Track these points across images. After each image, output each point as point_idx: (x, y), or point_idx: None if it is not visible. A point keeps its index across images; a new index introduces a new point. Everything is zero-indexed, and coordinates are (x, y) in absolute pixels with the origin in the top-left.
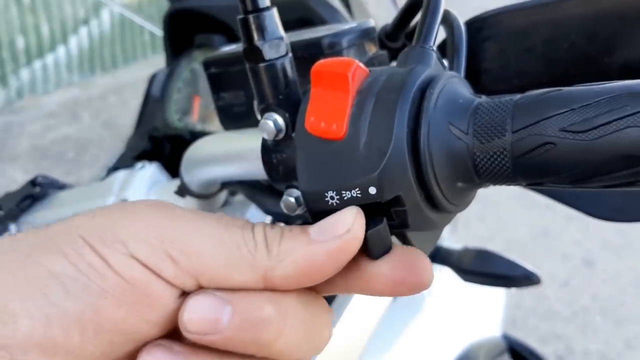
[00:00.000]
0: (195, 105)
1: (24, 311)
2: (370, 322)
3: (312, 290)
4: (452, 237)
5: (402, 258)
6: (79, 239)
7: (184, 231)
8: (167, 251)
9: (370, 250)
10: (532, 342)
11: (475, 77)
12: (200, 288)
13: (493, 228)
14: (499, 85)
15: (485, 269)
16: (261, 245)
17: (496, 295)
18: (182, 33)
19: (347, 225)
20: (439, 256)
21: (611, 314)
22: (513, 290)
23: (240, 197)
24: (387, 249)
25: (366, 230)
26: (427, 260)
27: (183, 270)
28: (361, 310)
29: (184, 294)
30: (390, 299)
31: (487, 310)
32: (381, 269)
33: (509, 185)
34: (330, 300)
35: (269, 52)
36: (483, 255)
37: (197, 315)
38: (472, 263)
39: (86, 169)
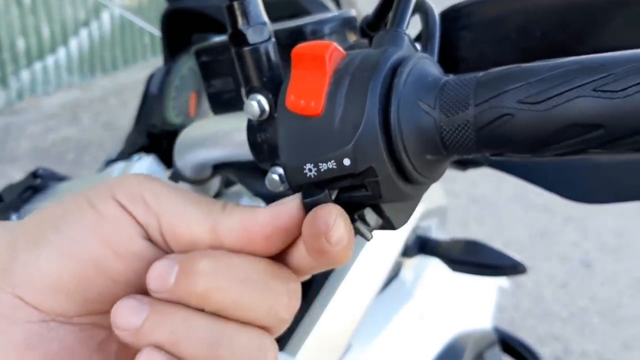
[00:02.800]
0: (191, 102)
1: (24, 247)
2: (359, 309)
3: (272, 260)
4: (440, 229)
5: (313, 211)
6: (80, 195)
7: (161, 184)
8: (142, 194)
9: None
10: (529, 342)
11: (452, 66)
12: (161, 234)
13: (491, 229)
14: None
15: (473, 258)
16: (220, 204)
17: (487, 288)
18: (179, 32)
19: (291, 199)
20: (428, 247)
21: (609, 315)
22: (509, 288)
23: (233, 189)
24: None
25: (306, 199)
26: (332, 207)
27: (150, 210)
28: (350, 297)
29: (151, 241)
30: (379, 285)
31: (477, 302)
32: (304, 226)
33: (475, 156)
34: (319, 286)
35: (252, 36)
36: (471, 246)
37: (154, 275)
38: (460, 253)
39: (86, 170)
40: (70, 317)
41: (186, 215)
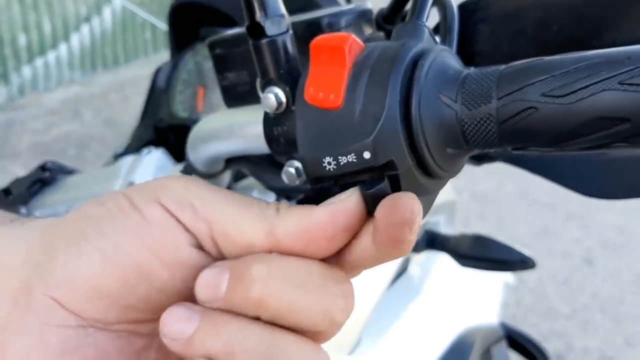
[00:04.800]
0: (199, 97)
1: (63, 247)
2: (369, 303)
3: (325, 262)
4: (449, 224)
5: (391, 200)
6: (120, 194)
7: (207, 188)
8: (189, 199)
9: (374, 208)
10: None
11: (469, 59)
12: (212, 241)
13: (493, 226)
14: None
15: (481, 253)
16: (272, 206)
17: (493, 284)
18: (186, 26)
19: (348, 194)
20: (437, 242)
21: (611, 311)
22: (512, 284)
23: (243, 183)
24: None
25: (369, 190)
26: (411, 194)
27: (199, 217)
28: (360, 292)
29: (200, 248)
30: (388, 280)
31: (484, 298)
32: (382, 217)
33: (496, 150)
34: None
35: (270, 29)
36: (479, 241)
37: (203, 285)
38: (468, 248)
39: (88, 166)
40: (109, 323)
41: (239, 220)
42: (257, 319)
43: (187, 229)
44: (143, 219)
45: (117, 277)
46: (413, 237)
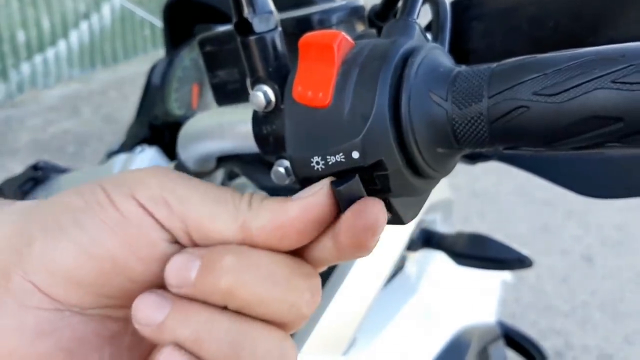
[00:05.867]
0: (194, 94)
1: (40, 235)
2: (364, 303)
3: (294, 255)
4: (445, 222)
5: (358, 205)
6: (97, 186)
7: (182, 183)
8: (164, 197)
9: (344, 205)
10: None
11: (463, 57)
12: (188, 236)
13: (493, 224)
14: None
15: (478, 252)
16: (245, 200)
17: (490, 283)
18: (181, 23)
19: (319, 187)
20: (433, 240)
21: (610, 309)
22: (511, 282)
23: (237, 181)
24: None
25: (339, 186)
26: (378, 201)
27: (174, 214)
28: (355, 291)
29: (176, 243)
30: (383, 279)
31: (481, 296)
32: (347, 220)
33: (487, 149)
34: (324, 280)
35: (258, 25)
36: (476, 240)
37: (173, 269)
38: (465, 247)
39: (86, 163)
40: (84, 308)
41: (214, 217)
42: (224, 308)
43: (162, 226)
44: (120, 214)
45: (91, 268)
46: (374, 244)
